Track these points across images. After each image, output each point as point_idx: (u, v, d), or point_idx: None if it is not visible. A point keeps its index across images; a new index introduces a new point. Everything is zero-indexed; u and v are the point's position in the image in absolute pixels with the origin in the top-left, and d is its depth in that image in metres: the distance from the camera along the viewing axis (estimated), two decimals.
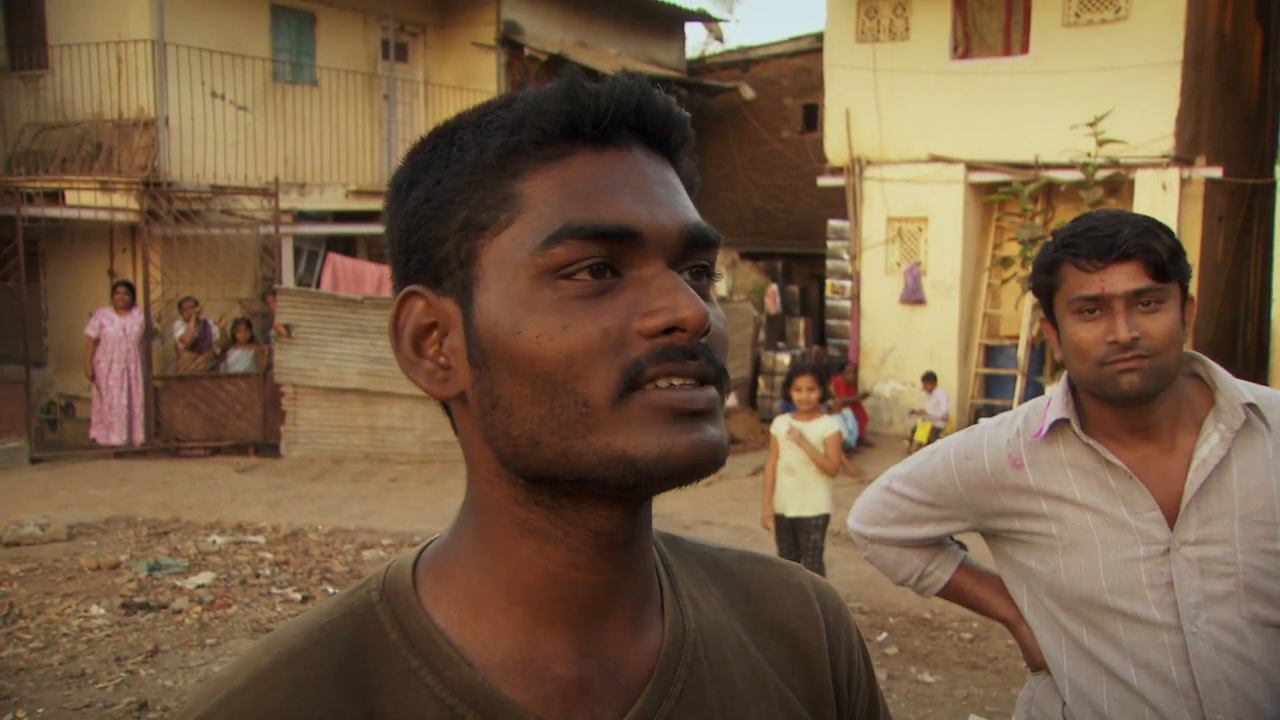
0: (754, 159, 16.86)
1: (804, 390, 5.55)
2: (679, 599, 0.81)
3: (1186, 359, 1.69)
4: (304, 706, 0.69)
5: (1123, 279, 1.57)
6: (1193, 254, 11.45)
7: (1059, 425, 1.70)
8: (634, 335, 0.68)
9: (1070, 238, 1.63)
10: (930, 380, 11.83)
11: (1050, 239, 1.70)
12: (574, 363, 0.67)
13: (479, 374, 0.70)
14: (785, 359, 12.83)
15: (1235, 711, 1.58)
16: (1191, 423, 1.65)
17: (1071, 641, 1.71)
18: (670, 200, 0.72)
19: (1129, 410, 1.63)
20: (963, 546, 1.96)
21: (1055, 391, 1.74)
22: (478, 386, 0.71)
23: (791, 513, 5.61)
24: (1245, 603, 1.59)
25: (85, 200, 10.90)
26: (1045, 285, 1.68)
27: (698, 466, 0.68)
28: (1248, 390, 1.64)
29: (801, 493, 5.57)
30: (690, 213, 0.72)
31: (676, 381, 0.68)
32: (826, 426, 5.54)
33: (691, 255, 0.72)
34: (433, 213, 0.72)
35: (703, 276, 0.73)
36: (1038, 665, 1.80)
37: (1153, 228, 1.60)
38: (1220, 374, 1.67)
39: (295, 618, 0.77)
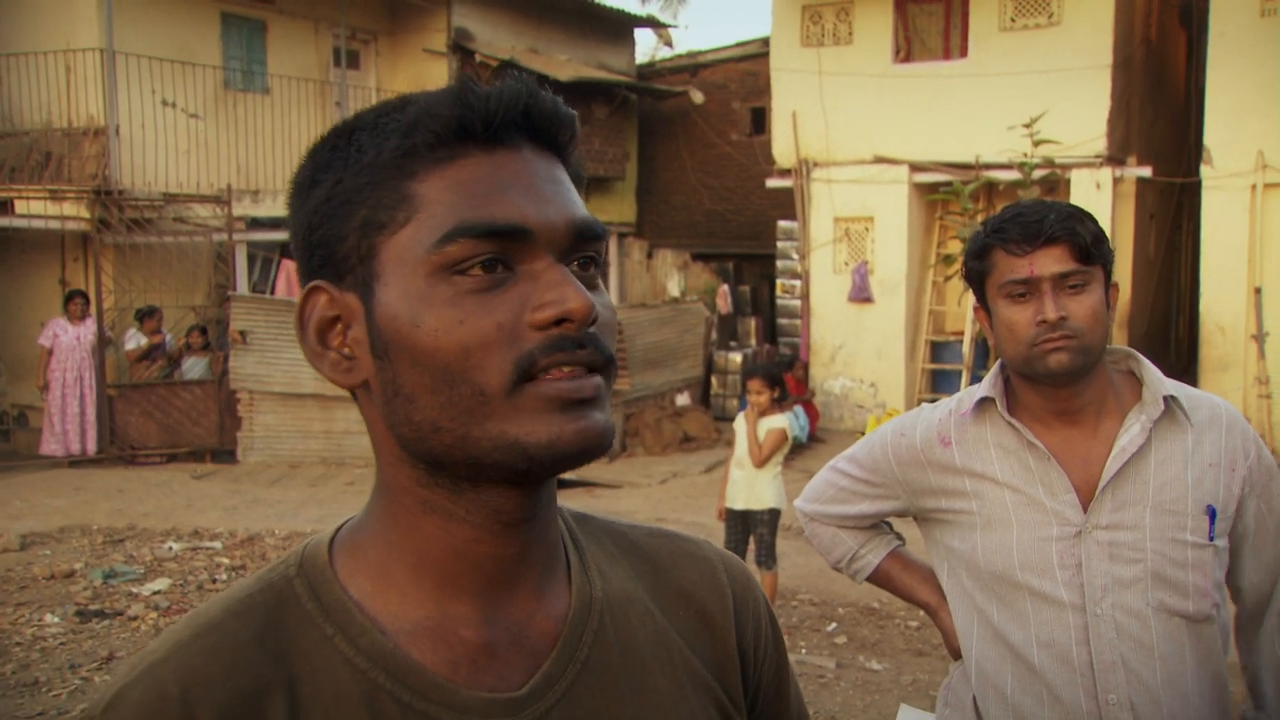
0: (704, 162, 16.99)
1: (753, 393, 5.82)
2: (586, 569, 0.84)
3: (1122, 355, 1.75)
4: (221, 672, 0.72)
5: (1050, 262, 1.62)
6: (1126, 251, 11.74)
7: (986, 405, 1.75)
8: (526, 328, 0.71)
9: (1000, 224, 1.69)
10: None
11: (981, 228, 1.76)
12: (470, 354, 0.70)
13: (381, 364, 0.74)
14: (737, 358, 13.03)
15: (1128, 693, 1.62)
16: (1117, 412, 1.69)
17: (983, 622, 1.75)
18: (558, 197, 0.74)
19: (1057, 391, 1.68)
20: (900, 538, 1.99)
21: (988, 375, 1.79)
22: (380, 376, 0.74)
23: (740, 505, 5.80)
24: (1152, 590, 1.63)
25: (35, 209, 10.78)
26: (977, 271, 1.72)
27: (585, 451, 0.72)
28: (1174, 387, 1.69)
29: (750, 486, 5.77)
30: (578, 208, 0.75)
31: (566, 369, 0.71)
32: (772, 422, 5.77)
33: (579, 248, 0.75)
34: (334, 211, 0.74)
35: (590, 267, 0.76)
36: (958, 653, 1.84)
37: (1076, 214, 1.65)
38: (1150, 370, 1.72)
39: (217, 594, 0.81)
